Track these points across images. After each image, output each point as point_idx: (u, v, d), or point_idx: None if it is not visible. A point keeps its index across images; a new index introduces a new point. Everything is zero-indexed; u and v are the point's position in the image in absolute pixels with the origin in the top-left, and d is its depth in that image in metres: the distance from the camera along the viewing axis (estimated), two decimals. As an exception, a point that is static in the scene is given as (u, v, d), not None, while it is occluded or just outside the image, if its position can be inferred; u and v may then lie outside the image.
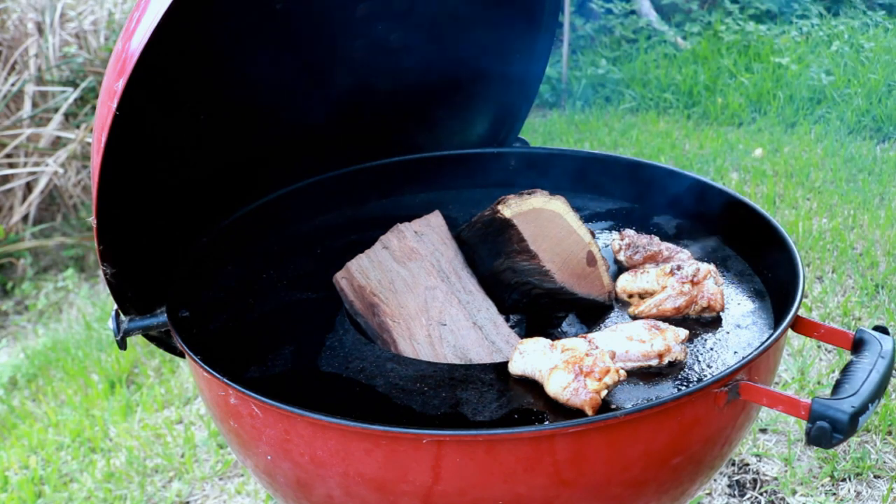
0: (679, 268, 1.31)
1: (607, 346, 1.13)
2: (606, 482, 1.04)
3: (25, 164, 4.42)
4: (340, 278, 1.37)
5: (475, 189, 1.85)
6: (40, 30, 4.76)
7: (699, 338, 1.25)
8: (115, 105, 1.10)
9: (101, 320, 3.48)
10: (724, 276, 1.42)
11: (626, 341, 1.15)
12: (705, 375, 1.15)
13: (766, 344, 1.08)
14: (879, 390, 1.04)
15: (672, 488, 1.13)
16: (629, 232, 1.48)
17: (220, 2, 1.41)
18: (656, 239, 1.45)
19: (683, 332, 1.18)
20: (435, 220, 1.44)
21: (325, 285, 1.41)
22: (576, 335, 1.21)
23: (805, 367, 2.51)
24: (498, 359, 1.22)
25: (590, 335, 1.17)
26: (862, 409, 0.98)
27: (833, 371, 2.52)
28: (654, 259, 1.41)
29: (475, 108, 1.97)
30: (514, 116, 1.97)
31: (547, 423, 1.04)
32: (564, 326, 1.35)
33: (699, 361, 1.18)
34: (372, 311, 1.31)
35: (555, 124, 5.27)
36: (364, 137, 1.86)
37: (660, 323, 1.18)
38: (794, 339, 2.64)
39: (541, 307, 1.36)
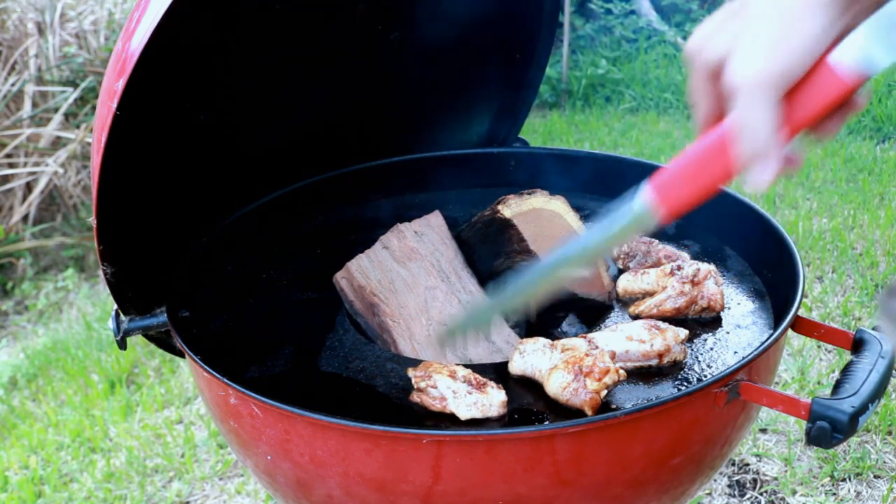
0: (679, 268, 1.31)
1: (607, 346, 1.13)
2: (606, 482, 1.04)
3: (25, 164, 4.42)
4: (340, 278, 1.37)
5: (475, 189, 1.85)
6: (40, 30, 4.75)
7: (699, 338, 1.25)
8: (115, 105, 1.10)
9: (101, 320, 3.48)
10: (724, 276, 1.42)
11: (626, 341, 1.15)
12: (705, 375, 1.15)
13: (766, 344, 1.08)
14: (879, 390, 1.04)
15: (672, 488, 1.13)
16: (629, 232, 1.48)
17: (220, 2, 1.41)
18: (656, 243, 1.45)
19: (683, 332, 1.18)
20: (435, 220, 1.44)
21: (325, 285, 1.41)
22: (576, 335, 1.21)
23: (805, 367, 2.51)
24: (498, 359, 1.22)
25: (590, 335, 1.17)
26: (862, 409, 0.98)
27: (833, 371, 2.52)
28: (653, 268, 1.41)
29: (475, 108, 1.97)
30: (515, 116, 1.97)
31: (547, 423, 1.04)
32: (564, 326, 1.35)
33: (699, 361, 1.18)
34: (372, 311, 1.31)
35: (555, 124, 5.27)
36: (364, 137, 1.86)
37: (660, 323, 1.18)
38: (794, 339, 2.64)
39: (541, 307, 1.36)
